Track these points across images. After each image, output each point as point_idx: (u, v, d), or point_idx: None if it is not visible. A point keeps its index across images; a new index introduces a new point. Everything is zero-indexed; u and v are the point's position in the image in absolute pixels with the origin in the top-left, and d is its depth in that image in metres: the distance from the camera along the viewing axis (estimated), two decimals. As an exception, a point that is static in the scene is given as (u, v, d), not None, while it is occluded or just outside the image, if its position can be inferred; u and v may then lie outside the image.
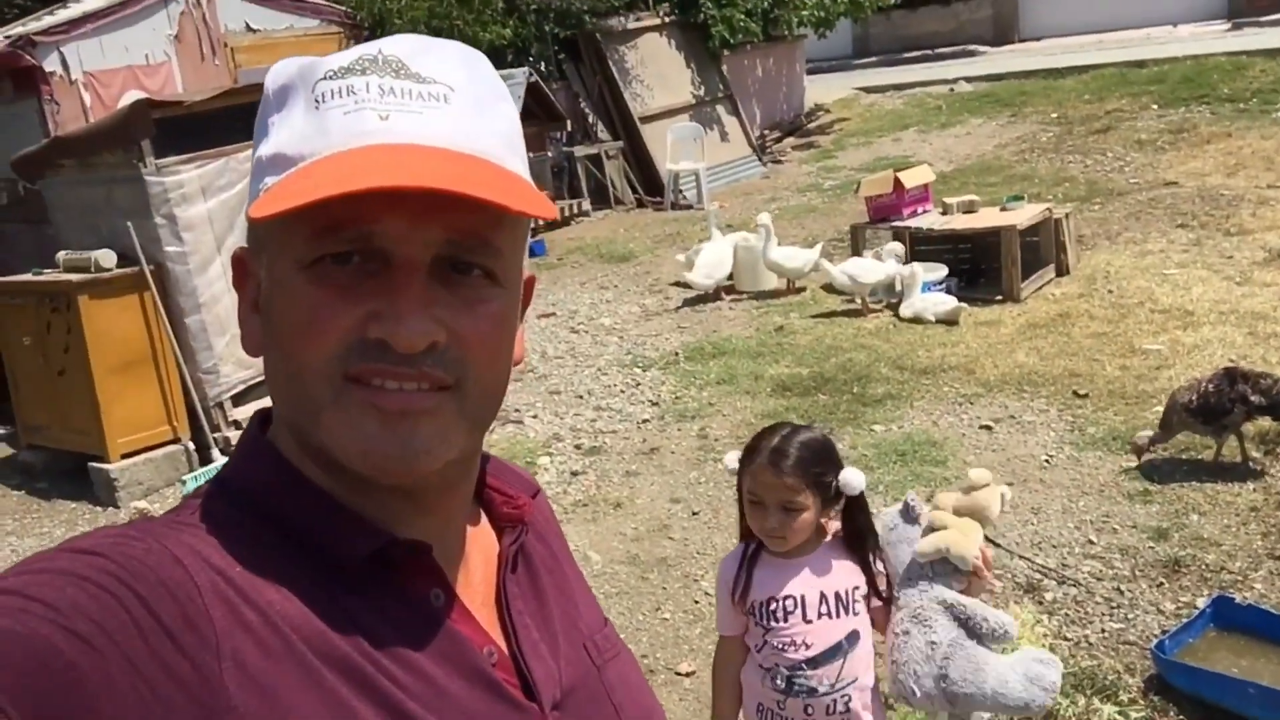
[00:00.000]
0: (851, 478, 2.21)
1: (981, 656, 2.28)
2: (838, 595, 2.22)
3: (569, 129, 11.88)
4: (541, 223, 10.68)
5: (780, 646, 2.18)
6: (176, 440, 5.97)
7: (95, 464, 5.81)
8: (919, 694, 2.28)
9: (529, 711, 0.77)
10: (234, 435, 6.08)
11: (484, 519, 0.88)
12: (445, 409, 0.73)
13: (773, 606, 2.20)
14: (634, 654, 0.94)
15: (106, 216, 5.88)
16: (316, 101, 0.72)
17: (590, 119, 12.18)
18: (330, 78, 0.73)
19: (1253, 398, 4.30)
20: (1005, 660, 2.33)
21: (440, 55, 0.75)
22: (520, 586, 0.84)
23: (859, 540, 2.28)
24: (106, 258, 5.68)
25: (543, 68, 11.70)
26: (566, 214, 11.19)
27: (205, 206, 5.91)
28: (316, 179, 0.68)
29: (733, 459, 2.32)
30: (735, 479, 2.31)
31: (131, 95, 7.51)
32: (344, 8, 10.52)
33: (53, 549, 0.67)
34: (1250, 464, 4.48)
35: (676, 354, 6.81)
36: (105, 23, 8.17)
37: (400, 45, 0.74)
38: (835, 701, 2.18)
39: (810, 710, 2.17)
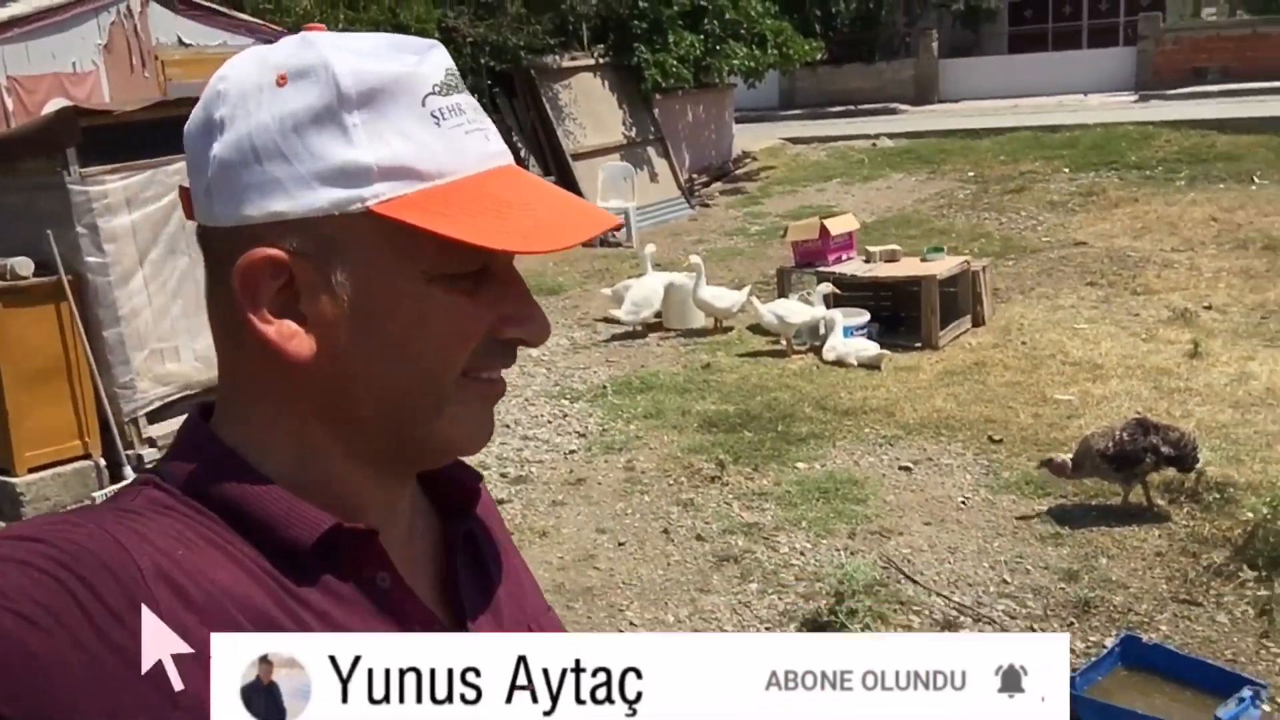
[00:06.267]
0: None
1: None
2: None
3: (501, 162, 11.90)
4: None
5: None
6: (87, 456, 5.78)
7: (0, 477, 5.60)
8: None
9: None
10: (147, 453, 5.91)
11: (428, 504, 0.89)
12: None
13: None
14: None
15: (27, 223, 5.70)
16: (435, 118, 0.73)
17: (523, 153, 12.23)
18: (438, 93, 0.74)
19: (1163, 448, 4.51)
20: None
21: None
22: (466, 570, 0.86)
23: None
24: (23, 265, 5.51)
25: (477, 100, 11.73)
26: (495, 246, 11.17)
27: (129, 218, 5.78)
28: (493, 208, 0.72)
29: None
30: None
31: (57, 103, 7.32)
32: (278, 26, 10.42)
33: None
34: (1155, 510, 4.68)
35: (604, 387, 6.84)
36: (34, 28, 7.95)
37: (442, 59, 0.76)
38: None
39: None
